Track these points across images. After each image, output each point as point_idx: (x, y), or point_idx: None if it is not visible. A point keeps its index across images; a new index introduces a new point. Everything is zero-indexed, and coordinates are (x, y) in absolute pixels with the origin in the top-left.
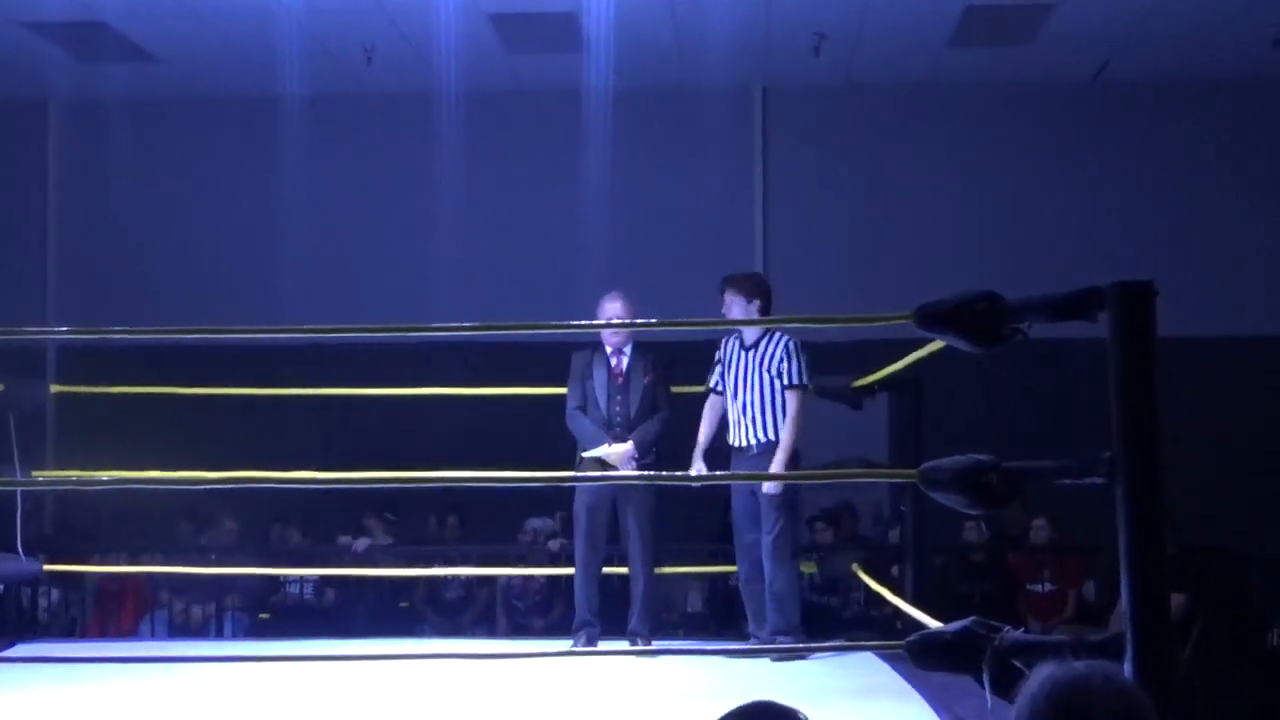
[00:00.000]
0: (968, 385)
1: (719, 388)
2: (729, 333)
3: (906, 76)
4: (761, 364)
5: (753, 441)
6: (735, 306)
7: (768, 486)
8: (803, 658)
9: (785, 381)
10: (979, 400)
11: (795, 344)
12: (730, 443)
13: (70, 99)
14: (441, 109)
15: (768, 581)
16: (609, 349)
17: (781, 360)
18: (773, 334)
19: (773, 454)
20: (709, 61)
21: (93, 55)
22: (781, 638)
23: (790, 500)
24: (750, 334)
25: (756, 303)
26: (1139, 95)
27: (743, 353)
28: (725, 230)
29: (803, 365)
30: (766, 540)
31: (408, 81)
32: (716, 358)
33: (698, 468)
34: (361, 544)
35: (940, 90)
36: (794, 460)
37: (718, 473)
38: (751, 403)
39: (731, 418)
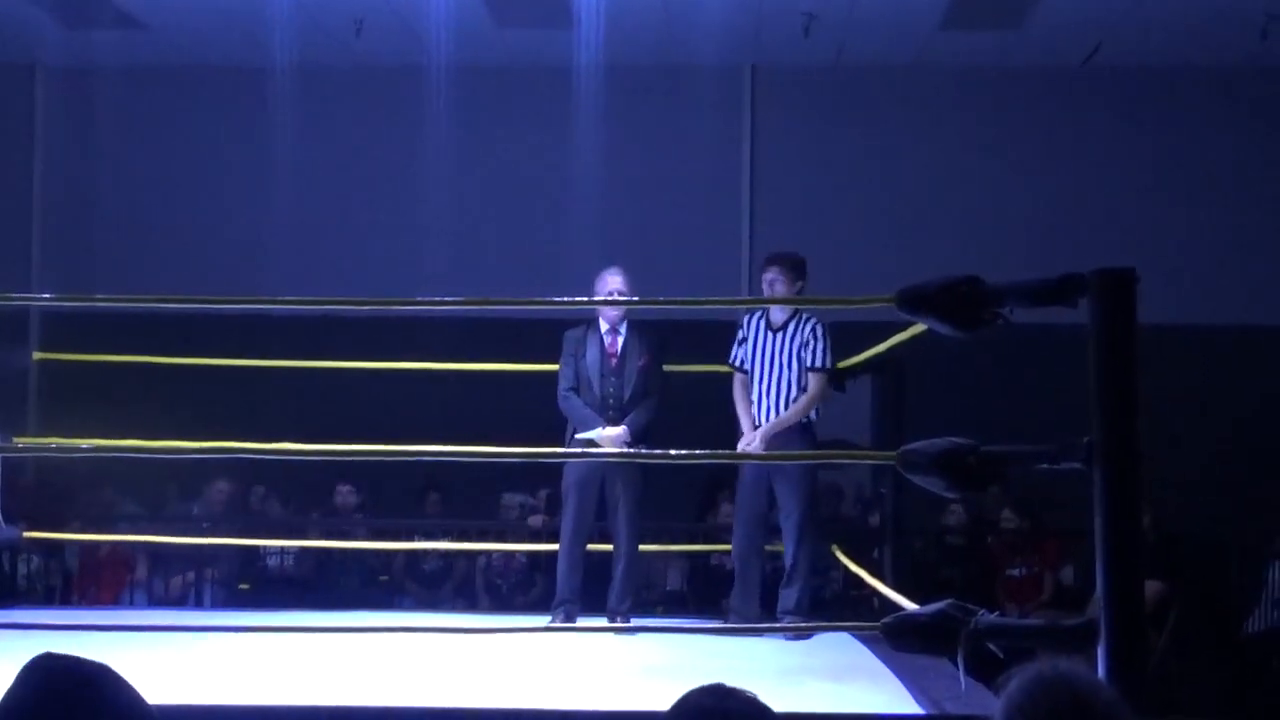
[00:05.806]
0: (950, 369)
1: (744, 365)
2: (753, 311)
3: (896, 58)
4: (791, 346)
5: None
6: (779, 285)
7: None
8: (797, 637)
9: (809, 363)
10: (960, 384)
11: (824, 327)
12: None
13: (58, 65)
14: (431, 82)
15: (789, 561)
16: (605, 325)
17: (809, 342)
18: (801, 316)
19: (796, 434)
20: (699, 40)
21: (81, 21)
22: (788, 616)
23: (812, 480)
24: (779, 316)
25: (800, 285)
26: (1128, 82)
27: (770, 334)
28: (713, 208)
29: (827, 348)
30: (790, 522)
31: (397, 54)
32: (739, 336)
33: (755, 445)
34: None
35: (929, 73)
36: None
37: (698, 451)
38: (778, 383)
39: (755, 396)
